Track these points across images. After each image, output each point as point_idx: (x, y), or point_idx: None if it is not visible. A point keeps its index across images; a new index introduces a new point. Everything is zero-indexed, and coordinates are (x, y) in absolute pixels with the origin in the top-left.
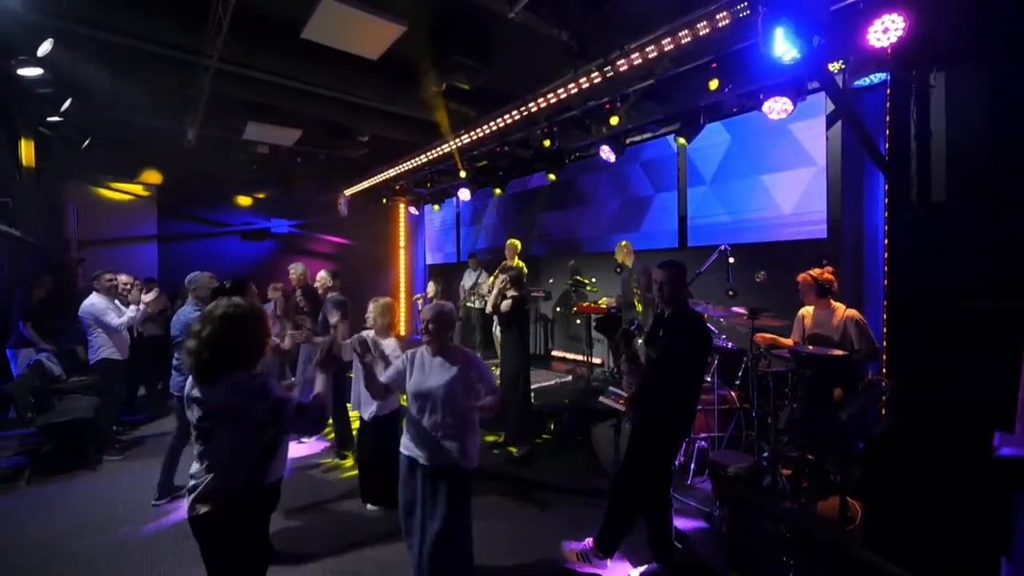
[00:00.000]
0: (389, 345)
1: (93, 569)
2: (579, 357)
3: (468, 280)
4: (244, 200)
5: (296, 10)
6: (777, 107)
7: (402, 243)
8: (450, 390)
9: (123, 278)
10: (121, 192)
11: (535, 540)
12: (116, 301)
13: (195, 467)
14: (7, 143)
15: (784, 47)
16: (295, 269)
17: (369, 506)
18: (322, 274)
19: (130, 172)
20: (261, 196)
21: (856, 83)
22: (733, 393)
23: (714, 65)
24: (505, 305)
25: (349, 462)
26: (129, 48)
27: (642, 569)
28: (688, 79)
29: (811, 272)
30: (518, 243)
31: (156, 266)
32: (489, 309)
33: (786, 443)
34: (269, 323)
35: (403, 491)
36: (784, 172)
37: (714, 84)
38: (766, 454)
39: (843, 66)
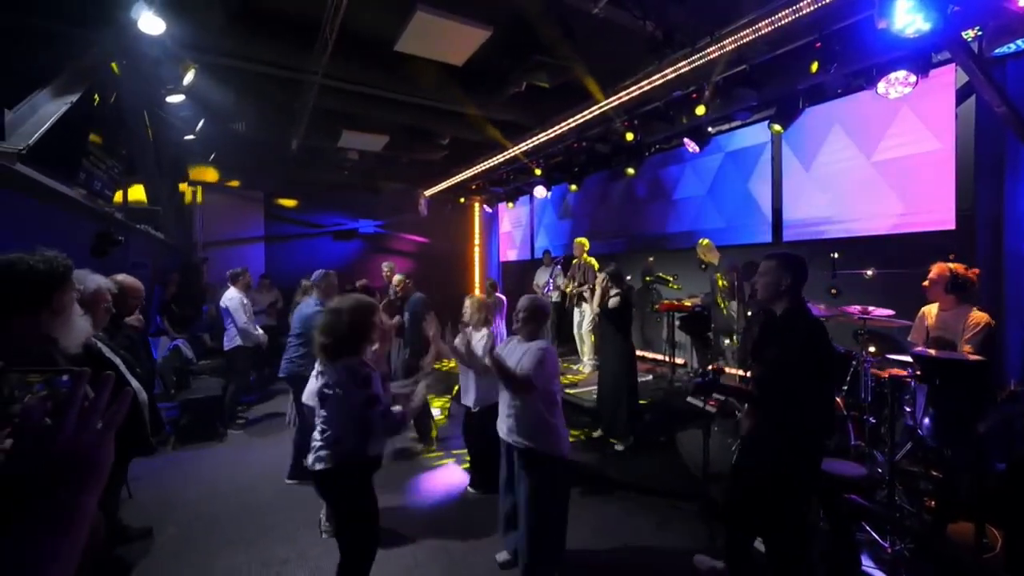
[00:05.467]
0: (479, 335)
1: (237, 524)
2: (659, 356)
3: (540, 277)
4: (288, 202)
5: (391, 26)
6: (895, 84)
7: (477, 241)
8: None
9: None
10: (236, 198)
11: (619, 537)
12: (246, 298)
13: (316, 432)
14: (156, 161)
15: (908, 19)
16: (387, 268)
17: (470, 489)
18: (398, 277)
19: (243, 180)
20: (294, 203)
21: (996, 51)
22: (838, 399)
23: (818, 45)
24: (612, 303)
25: (433, 447)
26: (248, 71)
27: None
28: (786, 61)
29: (949, 264)
30: (585, 241)
31: (263, 263)
32: (595, 310)
33: (905, 456)
34: (378, 318)
35: (502, 468)
36: (900, 156)
37: (815, 67)
38: (880, 470)
39: (979, 32)
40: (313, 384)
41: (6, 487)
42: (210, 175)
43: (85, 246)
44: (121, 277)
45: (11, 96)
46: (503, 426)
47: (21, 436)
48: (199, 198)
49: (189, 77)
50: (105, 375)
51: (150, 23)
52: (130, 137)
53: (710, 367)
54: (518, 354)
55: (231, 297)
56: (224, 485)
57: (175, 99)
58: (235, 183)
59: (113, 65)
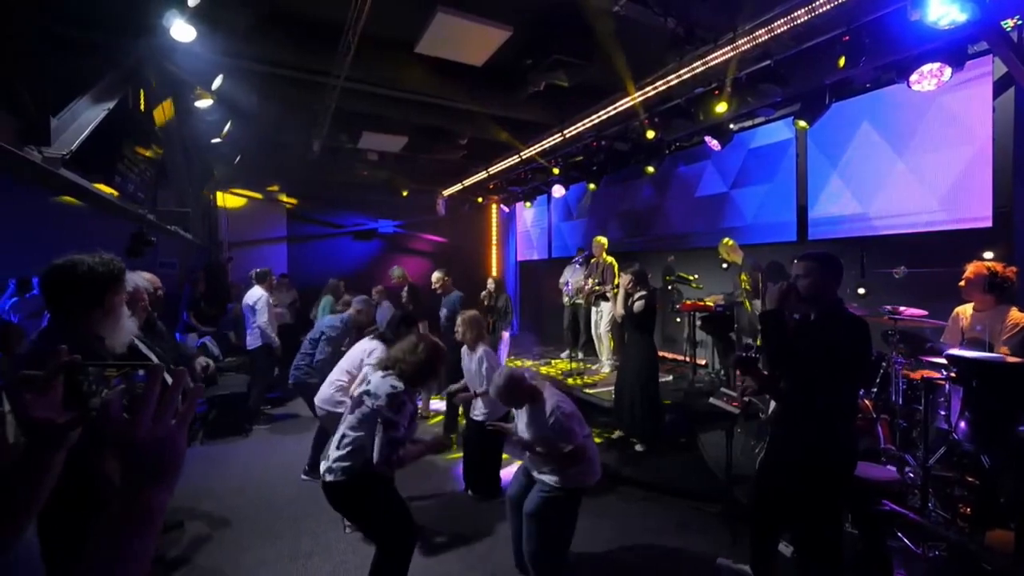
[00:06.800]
0: (476, 357)
1: (264, 518)
2: (679, 357)
3: (572, 275)
4: (290, 200)
5: (411, 28)
6: (928, 77)
7: (494, 240)
8: (535, 438)
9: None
10: (259, 200)
11: (639, 538)
12: (271, 297)
13: (334, 440)
14: (185, 164)
15: (942, 10)
16: (395, 272)
17: (470, 492)
18: (437, 274)
19: (266, 182)
20: (314, 204)
21: None
22: (867, 401)
23: (846, 38)
24: (638, 306)
25: (452, 445)
26: (270, 74)
27: None
28: (812, 56)
29: (986, 262)
30: (604, 240)
31: (286, 263)
32: (620, 313)
33: (938, 460)
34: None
35: (513, 483)
36: (932, 151)
37: (842, 62)
38: (912, 475)
39: (1019, 22)
40: (328, 390)
41: (87, 482)
42: (236, 193)
43: (117, 246)
44: (144, 275)
45: (55, 103)
46: (530, 462)
47: (102, 431)
48: (227, 201)
49: (218, 82)
50: (178, 370)
51: (182, 31)
52: (160, 141)
53: (754, 345)
54: (527, 419)
55: (257, 296)
56: (250, 480)
57: (203, 103)
58: (275, 187)
59: (152, 81)
